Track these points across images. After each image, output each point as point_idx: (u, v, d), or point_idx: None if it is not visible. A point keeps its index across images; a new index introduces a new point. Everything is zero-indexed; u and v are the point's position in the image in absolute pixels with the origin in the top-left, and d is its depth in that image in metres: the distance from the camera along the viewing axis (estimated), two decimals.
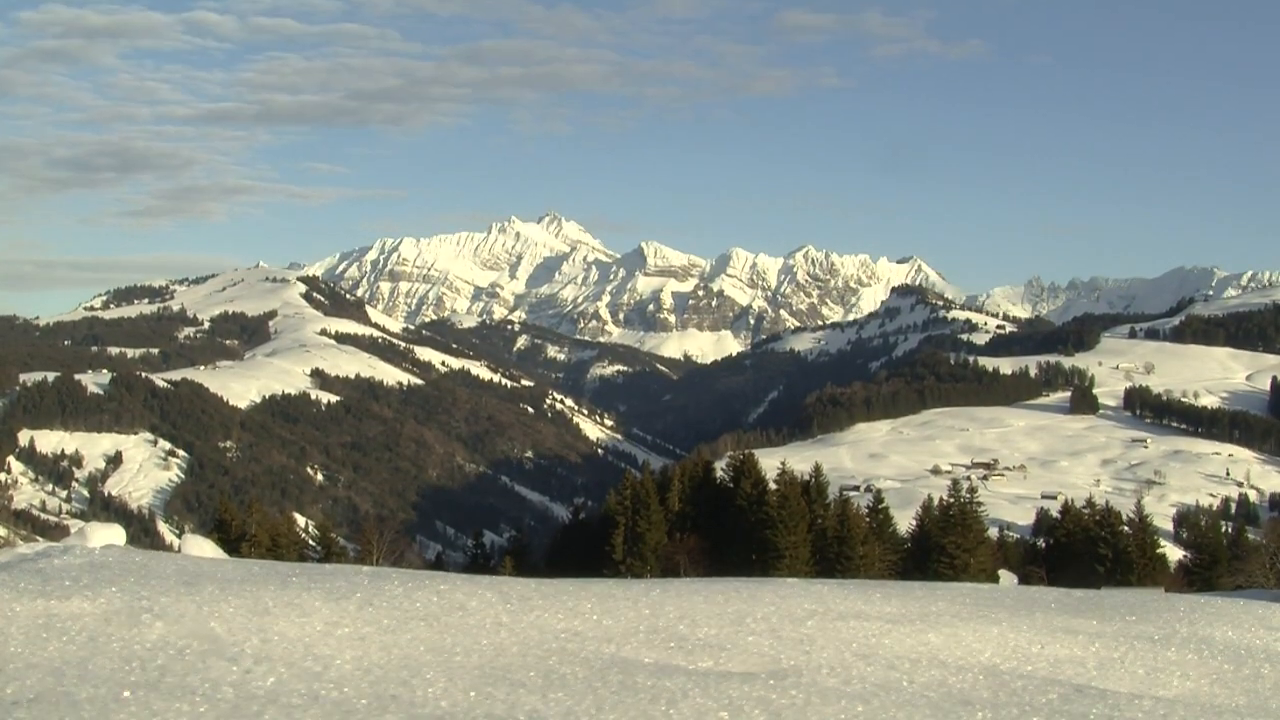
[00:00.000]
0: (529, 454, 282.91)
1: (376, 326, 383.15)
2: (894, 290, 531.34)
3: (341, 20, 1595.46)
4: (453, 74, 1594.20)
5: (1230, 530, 64.85)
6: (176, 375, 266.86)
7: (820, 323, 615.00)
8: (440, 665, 5.59)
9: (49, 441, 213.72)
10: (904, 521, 53.75)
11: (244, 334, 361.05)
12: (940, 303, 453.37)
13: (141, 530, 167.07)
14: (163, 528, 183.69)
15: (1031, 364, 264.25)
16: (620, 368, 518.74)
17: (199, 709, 4.24)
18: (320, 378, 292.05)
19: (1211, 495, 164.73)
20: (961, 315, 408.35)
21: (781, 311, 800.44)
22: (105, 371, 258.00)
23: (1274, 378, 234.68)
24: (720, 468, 53.37)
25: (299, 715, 4.25)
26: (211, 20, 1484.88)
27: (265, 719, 4.11)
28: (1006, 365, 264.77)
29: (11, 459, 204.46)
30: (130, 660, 5.07)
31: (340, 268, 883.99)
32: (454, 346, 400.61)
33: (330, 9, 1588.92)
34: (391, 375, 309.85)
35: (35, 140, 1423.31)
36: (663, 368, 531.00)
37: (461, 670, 5.52)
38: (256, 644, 5.56)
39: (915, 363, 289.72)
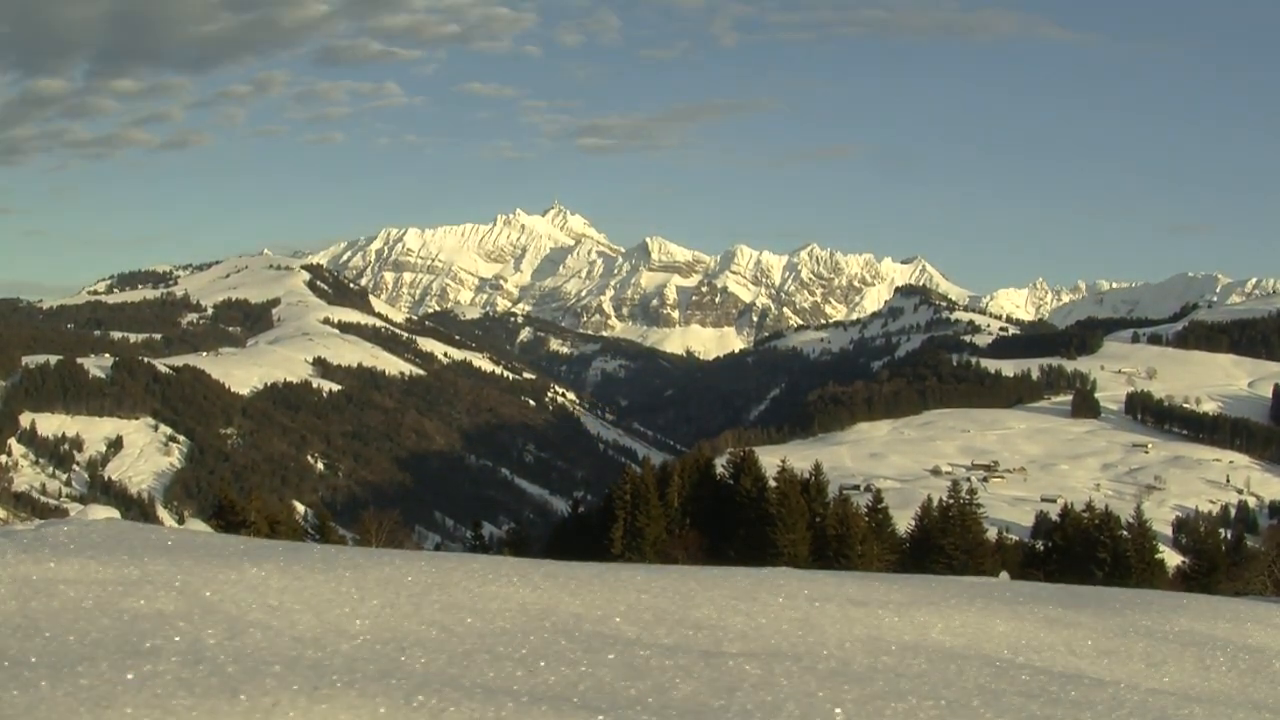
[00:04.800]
0: (529, 447, 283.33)
1: (379, 316, 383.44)
2: (897, 290, 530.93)
3: None
4: None
5: (1229, 537, 64.92)
6: (179, 361, 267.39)
7: (823, 321, 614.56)
8: (434, 638, 5.57)
9: (50, 424, 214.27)
10: (903, 521, 53.71)
11: (247, 321, 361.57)
12: (943, 303, 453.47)
13: (141, 515, 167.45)
14: (162, 513, 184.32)
15: (1034, 367, 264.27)
16: (623, 362, 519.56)
17: (191, 673, 4.27)
18: (322, 366, 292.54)
19: (1211, 501, 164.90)
20: (964, 316, 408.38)
21: (785, 309, 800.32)
22: (108, 356, 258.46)
23: (1276, 385, 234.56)
24: (721, 464, 53.32)
25: (292, 683, 4.25)
26: None
27: (260, 684, 4.17)
28: (1008, 367, 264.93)
29: (12, 441, 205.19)
30: (122, 625, 5.05)
31: (345, 257, 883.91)
32: (457, 338, 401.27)
33: None
34: (394, 365, 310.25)
35: None
36: (665, 363, 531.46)
37: (456, 643, 5.50)
38: (249, 613, 5.55)
39: (917, 363, 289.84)
